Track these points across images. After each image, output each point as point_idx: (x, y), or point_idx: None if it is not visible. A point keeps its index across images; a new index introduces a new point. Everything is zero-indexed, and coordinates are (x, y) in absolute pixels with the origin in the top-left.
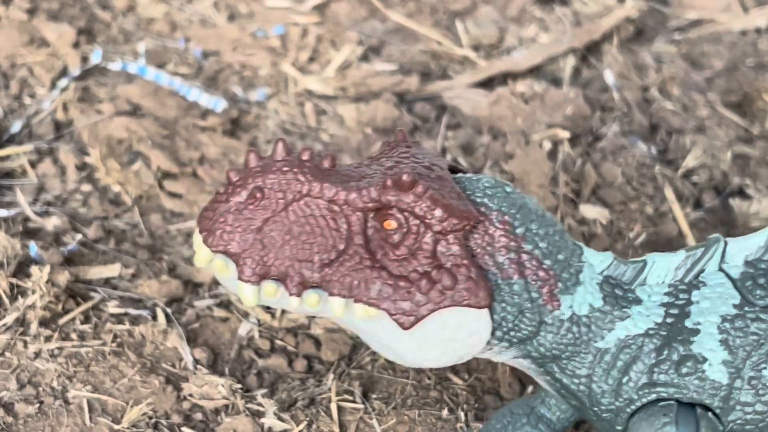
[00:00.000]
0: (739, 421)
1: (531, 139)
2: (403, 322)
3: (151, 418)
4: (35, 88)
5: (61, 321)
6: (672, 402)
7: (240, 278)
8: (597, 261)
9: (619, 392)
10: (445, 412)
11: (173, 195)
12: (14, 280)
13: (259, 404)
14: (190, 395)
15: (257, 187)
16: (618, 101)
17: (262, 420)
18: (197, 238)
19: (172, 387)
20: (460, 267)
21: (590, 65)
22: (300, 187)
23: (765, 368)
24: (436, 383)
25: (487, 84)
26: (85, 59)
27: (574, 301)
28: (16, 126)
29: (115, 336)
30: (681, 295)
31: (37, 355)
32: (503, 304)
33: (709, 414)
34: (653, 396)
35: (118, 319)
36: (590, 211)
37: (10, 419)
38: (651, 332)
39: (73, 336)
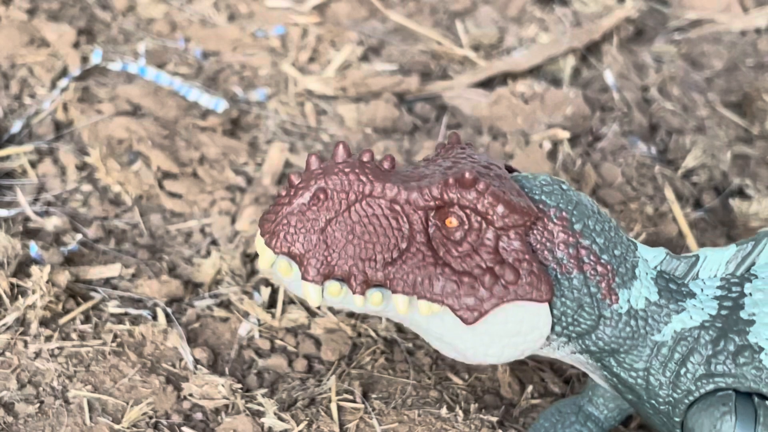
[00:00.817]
0: None
1: (531, 139)
2: (467, 317)
3: (151, 417)
4: (35, 88)
5: (62, 321)
6: (730, 392)
7: (304, 278)
8: (650, 256)
9: (677, 384)
10: (444, 412)
11: (173, 195)
12: (14, 280)
13: (259, 404)
14: (191, 395)
15: (320, 189)
16: (618, 101)
17: (262, 420)
18: (259, 241)
19: (173, 387)
20: (522, 262)
21: (590, 65)
22: (362, 187)
23: None
24: (436, 383)
25: (487, 84)
26: (85, 59)
27: (631, 295)
28: (16, 126)
29: (116, 336)
30: (734, 288)
31: (38, 354)
32: (563, 299)
33: (767, 402)
34: (711, 386)
35: (119, 319)
36: None
37: (10, 419)
38: (707, 324)
39: (74, 336)
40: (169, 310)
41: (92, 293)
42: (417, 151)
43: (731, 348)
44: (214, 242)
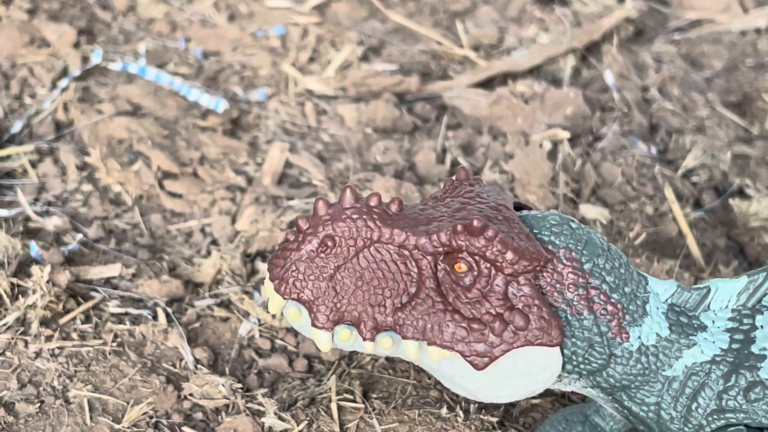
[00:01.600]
0: None
1: (531, 139)
2: (477, 363)
3: (151, 417)
4: (36, 88)
5: (62, 321)
6: (741, 427)
7: (314, 325)
8: (661, 290)
9: (688, 419)
10: (444, 412)
11: (173, 195)
12: (15, 280)
13: (260, 404)
14: (191, 395)
15: (328, 236)
16: (618, 101)
17: (263, 420)
18: (269, 286)
19: (173, 387)
20: (531, 307)
21: (590, 65)
22: (370, 233)
23: None
24: (436, 383)
25: (487, 84)
26: (85, 59)
27: (642, 331)
28: (16, 126)
29: (116, 336)
30: (745, 320)
31: (38, 354)
32: (573, 339)
33: None
34: (722, 422)
35: (119, 318)
36: (590, 211)
37: (10, 419)
38: (718, 359)
39: (74, 336)
40: (169, 309)
41: (93, 293)
42: (417, 151)
43: (742, 383)
44: (214, 242)
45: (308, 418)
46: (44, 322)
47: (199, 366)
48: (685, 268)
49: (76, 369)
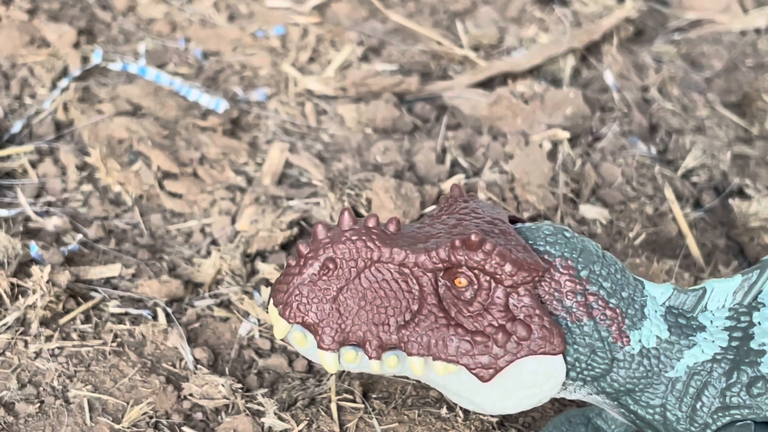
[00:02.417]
0: None
1: (531, 139)
2: (482, 375)
3: (151, 417)
4: (36, 88)
5: (62, 321)
6: (748, 422)
7: (320, 347)
8: (658, 293)
9: (694, 418)
10: (444, 412)
11: (173, 195)
12: (15, 280)
13: (260, 404)
14: (191, 395)
15: (329, 258)
16: (618, 101)
17: (263, 420)
18: (273, 311)
19: (173, 387)
20: (533, 317)
21: (590, 65)
22: (370, 254)
23: None
24: None
25: (487, 84)
26: (85, 59)
27: (642, 335)
28: (16, 126)
29: (116, 336)
30: (743, 318)
31: (38, 354)
32: (575, 346)
33: None
34: (727, 419)
35: (119, 318)
36: (590, 211)
37: (10, 419)
38: (718, 357)
39: (74, 336)
40: (169, 309)
41: (92, 293)
42: (417, 151)
43: (744, 379)
44: (214, 242)
45: (308, 418)
46: (44, 322)
47: (199, 366)
48: (685, 268)
49: (76, 369)
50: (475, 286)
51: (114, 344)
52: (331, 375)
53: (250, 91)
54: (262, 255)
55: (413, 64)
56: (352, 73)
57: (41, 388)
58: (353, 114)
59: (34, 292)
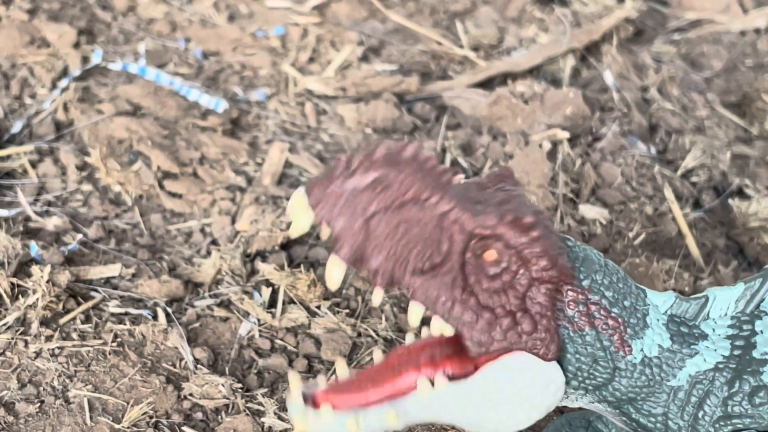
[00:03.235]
0: None
1: (531, 139)
2: (473, 350)
3: (151, 417)
4: (36, 88)
5: (62, 320)
6: (750, 431)
7: (336, 254)
8: (660, 301)
9: (696, 427)
10: None
11: (173, 195)
12: (15, 280)
13: (260, 404)
14: (191, 395)
15: (382, 177)
16: (617, 101)
17: (263, 419)
18: (302, 200)
19: (173, 386)
20: (542, 317)
21: (590, 65)
22: (420, 192)
23: None
24: None
25: (487, 84)
26: (85, 59)
27: (644, 344)
28: (16, 126)
29: (116, 336)
30: (745, 327)
31: (38, 354)
32: (577, 355)
33: None
34: (729, 428)
35: (119, 318)
36: (590, 211)
37: (10, 418)
38: (720, 366)
39: (74, 335)
40: (169, 309)
41: (92, 293)
42: None
43: (746, 389)
44: (214, 242)
45: None
46: (44, 322)
47: (199, 366)
48: (685, 268)
49: (76, 369)
50: (504, 265)
51: (114, 344)
52: (331, 375)
53: (250, 91)
54: (262, 255)
55: (413, 64)
56: (352, 73)
57: (41, 388)
58: (353, 114)
59: (34, 292)
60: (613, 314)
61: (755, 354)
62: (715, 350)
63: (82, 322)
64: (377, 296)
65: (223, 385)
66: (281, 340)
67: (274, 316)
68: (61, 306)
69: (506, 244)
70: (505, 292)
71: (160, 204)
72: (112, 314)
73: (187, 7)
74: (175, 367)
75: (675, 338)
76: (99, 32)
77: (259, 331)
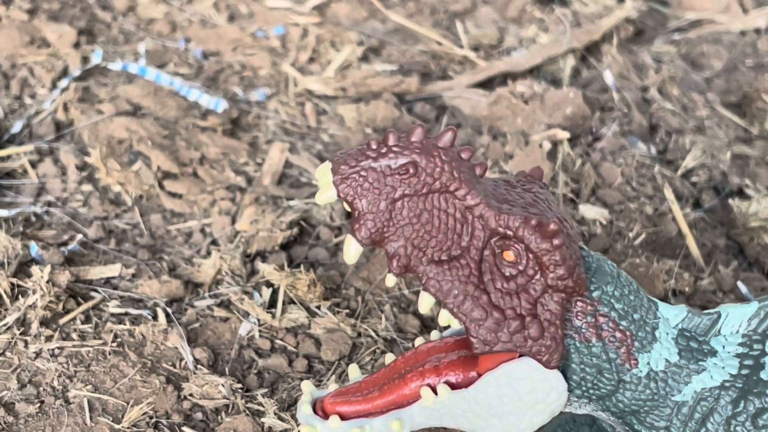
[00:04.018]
0: None
1: (531, 139)
2: (477, 346)
3: (151, 417)
4: (36, 88)
5: (62, 321)
6: None
7: (354, 235)
8: (672, 315)
9: None
10: None
11: (173, 195)
12: (15, 280)
13: (260, 404)
14: (191, 395)
15: (413, 162)
16: (617, 101)
17: (263, 420)
18: (327, 175)
19: (173, 387)
20: (551, 325)
21: (590, 65)
22: (450, 181)
23: None
24: None
25: (487, 84)
26: (85, 59)
27: (651, 357)
28: (16, 126)
29: (116, 336)
30: (755, 346)
31: (38, 354)
32: (582, 365)
33: None
34: None
35: (119, 318)
36: (590, 211)
37: (10, 419)
38: (727, 384)
39: (74, 336)
40: (169, 310)
41: (92, 293)
42: None
43: (751, 410)
44: (214, 242)
45: None
46: (44, 322)
47: (199, 366)
48: (685, 268)
49: (76, 369)
50: (521, 267)
51: (114, 344)
52: (331, 375)
53: (250, 91)
54: (262, 255)
55: (413, 64)
56: (352, 73)
57: (41, 388)
58: (353, 114)
59: (34, 292)
60: (621, 327)
61: (763, 375)
62: (723, 368)
63: (82, 323)
64: (390, 280)
65: (223, 386)
66: (281, 340)
67: (274, 316)
68: (61, 306)
69: (527, 248)
70: (518, 294)
71: (160, 204)
72: (112, 314)
73: (187, 7)
74: (175, 367)
75: (683, 353)
76: (99, 32)
77: (259, 331)
